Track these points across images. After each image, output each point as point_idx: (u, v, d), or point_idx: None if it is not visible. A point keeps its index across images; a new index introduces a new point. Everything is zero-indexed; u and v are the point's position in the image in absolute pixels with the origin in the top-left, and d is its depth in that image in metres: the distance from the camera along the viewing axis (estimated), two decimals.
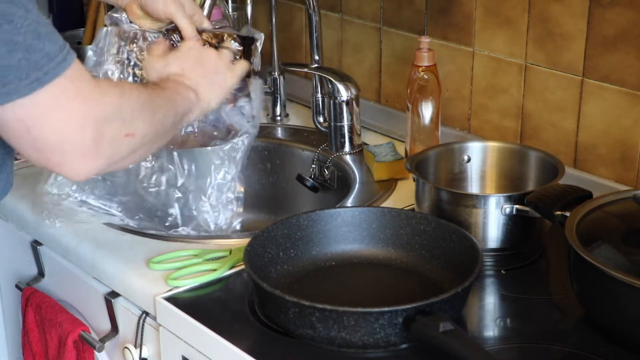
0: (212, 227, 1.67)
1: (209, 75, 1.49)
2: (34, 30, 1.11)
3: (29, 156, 1.18)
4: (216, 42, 1.57)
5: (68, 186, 1.64)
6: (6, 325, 1.92)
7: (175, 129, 1.40)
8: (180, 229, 1.67)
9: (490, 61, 1.80)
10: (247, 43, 1.59)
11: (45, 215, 1.63)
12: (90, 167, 1.20)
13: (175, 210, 1.69)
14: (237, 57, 1.57)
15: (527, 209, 1.44)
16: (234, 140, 1.66)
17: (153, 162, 1.68)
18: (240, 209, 1.70)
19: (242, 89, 1.63)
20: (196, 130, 1.71)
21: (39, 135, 1.15)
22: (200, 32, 1.56)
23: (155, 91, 1.35)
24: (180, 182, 1.68)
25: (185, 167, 1.68)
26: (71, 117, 1.15)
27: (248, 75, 1.59)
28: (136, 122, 1.25)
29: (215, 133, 1.69)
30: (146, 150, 1.32)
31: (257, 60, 1.61)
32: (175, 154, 1.67)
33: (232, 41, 1.57)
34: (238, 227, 1.69)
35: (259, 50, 1.61)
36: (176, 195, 1.68)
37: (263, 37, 1.61)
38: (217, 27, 1.61)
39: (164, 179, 1.68)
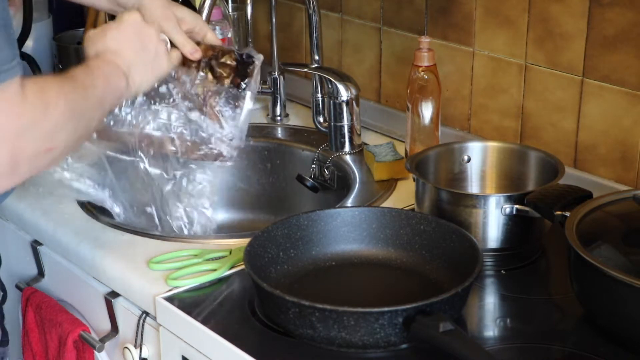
0: (186, 232, 1.66)
1: (146, 57, 1.45)
2: None
3: None
4: (212, 55, 1.56)
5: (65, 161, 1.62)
6: (6, 325, 1.92)
7: (100, 124, 1.38)
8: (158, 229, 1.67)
9: (490, 61, 1.80)
10: (245, 62, 1.57)
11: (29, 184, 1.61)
12: (4, 186, 1.16)
13: (152, 210, 1.68)
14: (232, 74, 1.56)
15: (527, 209, 1.44)
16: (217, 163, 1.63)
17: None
18: (210, 213, 1.68)
19: (229, 102, 1.59)
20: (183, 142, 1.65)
21: None
22: (197, 43, 1.55)
23: (84, 91, 1.28)
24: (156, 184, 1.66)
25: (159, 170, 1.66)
26: None
27: (238, 86, 1.57)
28: (58, 134, 1.20)
29: (201, 153, 1.64)
30: (67, 153, 1.30)
31: (253, 82, 1.58)
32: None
33: (229, 59, 1.56)
34: (212, 234, 1.67)
35: (257, 72, 1.58)
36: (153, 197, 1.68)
37: (262, 59, 1.59)
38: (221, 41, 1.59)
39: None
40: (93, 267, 1.56)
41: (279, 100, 2.08)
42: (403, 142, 1.84)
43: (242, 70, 1.57)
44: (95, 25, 2.11)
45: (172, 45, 1.52)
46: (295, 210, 1.89)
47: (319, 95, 1.98)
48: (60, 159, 1.29)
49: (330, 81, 1.87)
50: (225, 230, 1.95)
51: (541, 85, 1.72)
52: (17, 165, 1.15)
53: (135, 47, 1.44)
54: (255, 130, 2.04)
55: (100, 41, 1.43)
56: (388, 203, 1.70)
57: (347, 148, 1.89)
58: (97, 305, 1.59)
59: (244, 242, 1.45)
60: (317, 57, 1.97)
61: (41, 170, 1.23)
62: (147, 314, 1.47)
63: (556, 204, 1.39)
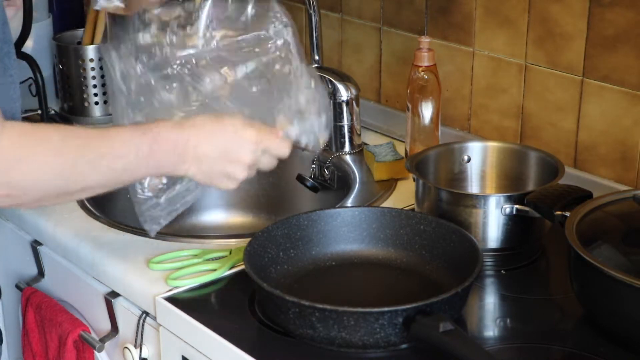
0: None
1: (217, 167, 1.27)
2: None
3: None
4: None
5: None
6: (6, 325, 1.92)
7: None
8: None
9: (490, 61, 1.80)
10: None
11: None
12: None
13: None
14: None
15: (527, 209, 1.44)
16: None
17: None
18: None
19: None
20: None
21: None
22: None
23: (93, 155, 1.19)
24: None
25: None
26: None
27: None
28: (29, 190, 1.17)
29: None
30: (37, 206, 1.24)
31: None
32: None
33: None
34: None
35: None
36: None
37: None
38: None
39: None
40: (93, 267, 1.56)
41: None
42: (403, 142, 1.84)
43: None
44: (95, 26, 2.11)
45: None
46: (295, 210, 1.89)
47: None
48: (28, 207, 1.26)
49: (330, 81, 1.87)
50: (225, 230, 1.95)
51: (541, 85, 1.72)
52: None
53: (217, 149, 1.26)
54: None
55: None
56: (388, 203, 1.70)
57: (347, 148, 1.89)
58: (97, 305, 1.59)
59: (244, 242, 1.45)
60: (317, 57, 1.97)
61: None
62: (147, 314, 1.47)
63: (556, 204, 1.39)
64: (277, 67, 1.37)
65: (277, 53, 1.38)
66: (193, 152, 1.25)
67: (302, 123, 1.36)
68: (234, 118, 1.28)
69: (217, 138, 1.26)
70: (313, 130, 1.38)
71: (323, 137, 1.41)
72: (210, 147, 1.26)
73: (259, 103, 1.36)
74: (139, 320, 1.48)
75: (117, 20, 1.57)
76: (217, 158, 1.27)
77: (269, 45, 1.37)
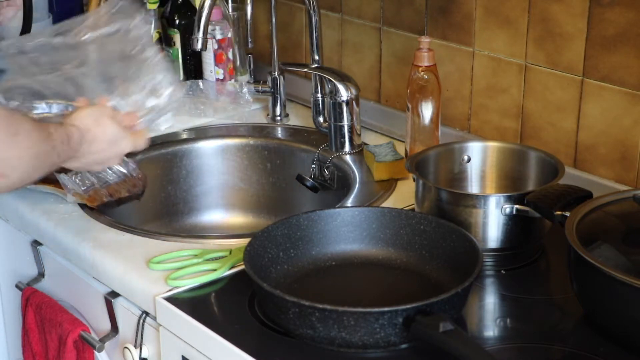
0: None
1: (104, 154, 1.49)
2: None
3: None
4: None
5: None
6: (6, 325, 1.92)
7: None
8: None
9: (490, 61, 1.80)
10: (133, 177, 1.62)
11: None
12: None
13: None
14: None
15: (527, 209, 1.44)
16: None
17: None
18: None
19: None
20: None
21: None
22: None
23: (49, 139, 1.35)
24: None
25: None
26: None
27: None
28: (14, 171, 1.28)
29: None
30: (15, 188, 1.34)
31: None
32: None
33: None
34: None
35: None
36: None
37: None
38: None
39: None
40: (93, 267, 1.56)
41: (278, 100, 2.08)
42: (403, 142, 1.84)
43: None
44: None
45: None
46: (295, 210, 1.89)
47: (319, 95, 1.98)
48: (7, 191, 1.34)
49: (330, 81, 1.87)
50: (225, 230, 1.95)
51: (541, 85, 1.72)
52: None
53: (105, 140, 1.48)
54: (255, 130, 2.04)
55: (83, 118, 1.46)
56: (388, 203, 1.70)
57: (347, 148, 1.89)
58: (97, 305, 1.59)
59: (244, 242, 1.45)
60: (317, 57, 1.97)
61: None
62: (147, 314, 1.47)
63: (556, 204, 1.39)
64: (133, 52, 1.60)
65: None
66: (85, 153, 1.46)
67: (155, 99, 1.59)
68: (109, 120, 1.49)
69: (101, 151, 1.48)
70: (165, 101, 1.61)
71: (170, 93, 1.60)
72: (95, 154, 1.48)
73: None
74: (139, 320, 1.48)
75: None
76: (96, 155, 1.49)
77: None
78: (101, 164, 1.52)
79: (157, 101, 1.59)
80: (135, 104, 1.57)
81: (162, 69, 1.60)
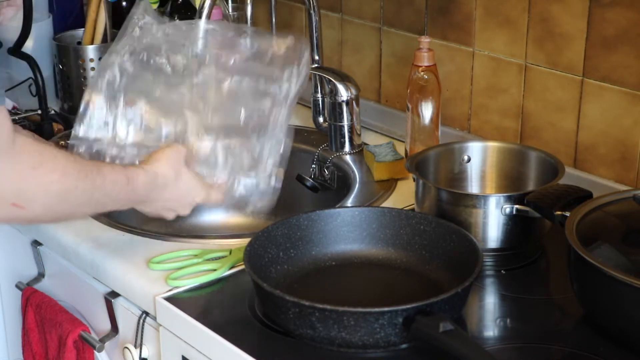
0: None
1: (175, 202, 1.45)
2: None
3: None
4: None
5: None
6: (6, 325, 1.92)
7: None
8: None
9: (490, 61, 1.80)
10: None
11: None
12: None
13: None
14: None
15: (527, 209, 1.44)
16: None
17: None
18: None
19: None
20: None
21: None
22: None
23: (90, 182, 1.28)
24: None
25: None
26: None
27: None
28: (33, 203, 1.22)
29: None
30: (41, 222, 1.32)
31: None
32: None
33: None
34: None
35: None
36: None
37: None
38: None
39: None
40: (93, 267, 1.56)
41: None
42: (403, 142, 1.84)
43: None
44: (95, 26, 2.11)
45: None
46: (295, 210, 1.88)
47: (319, 95, 1.98)
48: (31, 223, 1.32)
49: (330, 81, 1.87)
50: (225, 230, 1.95)
51: (541, 85, 1.72)
52: None
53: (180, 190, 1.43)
54: None
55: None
56: (388, 203, 1.70)
57: (347, 148, 1.89)
58: (97, 305, 1.59)
59: (244, 242, 1.45)
60: (317, 57, 1.97)
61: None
62: (147, 314, 1.47)
63: (556, 204, 1.39)
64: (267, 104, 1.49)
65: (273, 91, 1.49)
66: (155, 199, 1.42)
67: (250, 178, 1.50)
68: (191, 183, 1.44)
69: (173, 199, 1.44)
70: (258, 189, 1.51)
71: (261, 202, 1.52)
72: (167, 201, 1.44)
73: (232, 119, 1.49)
74: (139, 320, 1.48)
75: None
76: (168, 203, 1.45)
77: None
78: (172, 212, 1.46)
79: (250, 180, 1.50)
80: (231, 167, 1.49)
81: (279, 143, 1.49)
